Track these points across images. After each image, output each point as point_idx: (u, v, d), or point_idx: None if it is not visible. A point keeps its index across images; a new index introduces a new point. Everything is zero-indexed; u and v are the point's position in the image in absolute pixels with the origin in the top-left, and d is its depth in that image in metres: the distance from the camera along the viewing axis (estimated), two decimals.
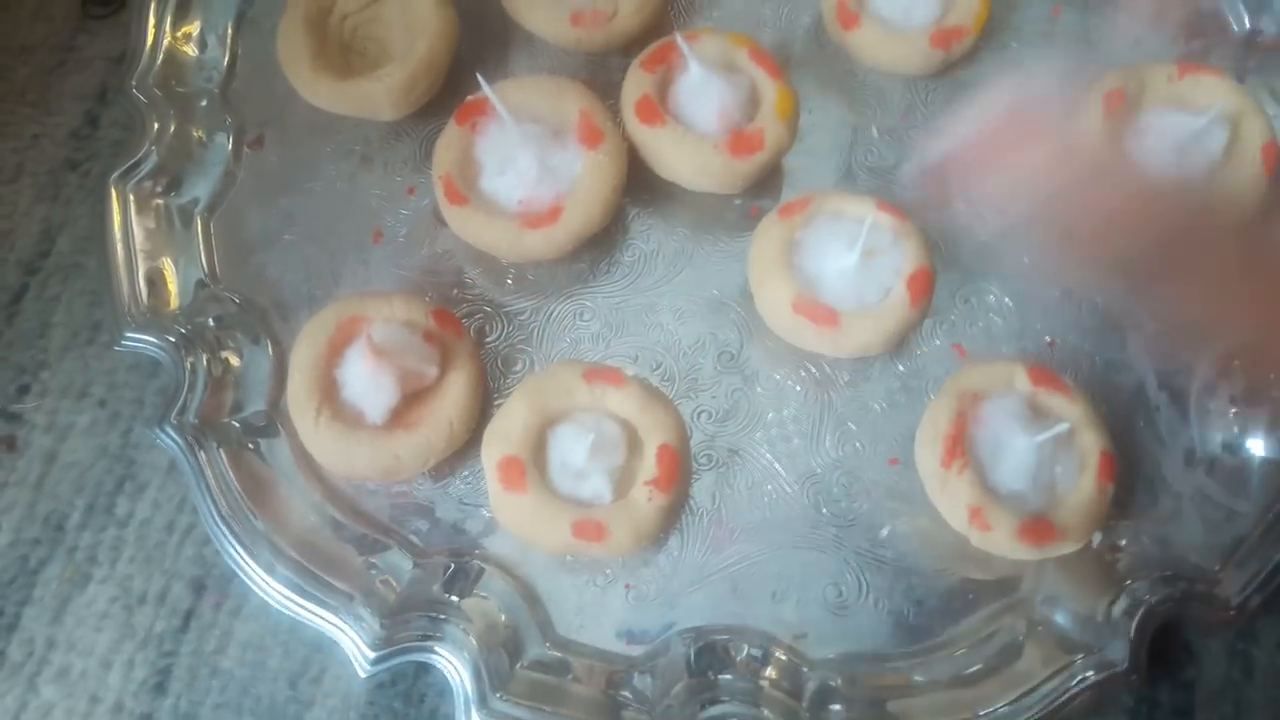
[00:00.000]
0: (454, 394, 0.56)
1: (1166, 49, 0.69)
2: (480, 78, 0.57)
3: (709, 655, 0.55)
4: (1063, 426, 0.53)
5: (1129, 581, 0.55)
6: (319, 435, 0.55)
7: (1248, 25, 0.70)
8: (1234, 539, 0.57)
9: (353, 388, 0.54)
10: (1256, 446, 0.59)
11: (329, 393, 0.55)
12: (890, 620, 0.56)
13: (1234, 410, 0.60)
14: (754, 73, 0.61)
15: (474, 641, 0.53)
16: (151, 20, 0.65)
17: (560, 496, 0.53)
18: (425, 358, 0.55)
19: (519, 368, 0.61)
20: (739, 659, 0.55)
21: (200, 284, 0.62)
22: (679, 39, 0.59)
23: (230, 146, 0.65)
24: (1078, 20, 0.70)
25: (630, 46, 0.64)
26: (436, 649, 0.53)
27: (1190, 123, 0.60)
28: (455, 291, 0.62)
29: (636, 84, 0.61)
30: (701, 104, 0.60)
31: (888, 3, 0.65)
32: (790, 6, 0.69)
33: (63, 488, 0.59)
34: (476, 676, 0.52)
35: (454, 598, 0.55)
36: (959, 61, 0.66)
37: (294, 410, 0.55)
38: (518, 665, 0.54)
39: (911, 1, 0.64)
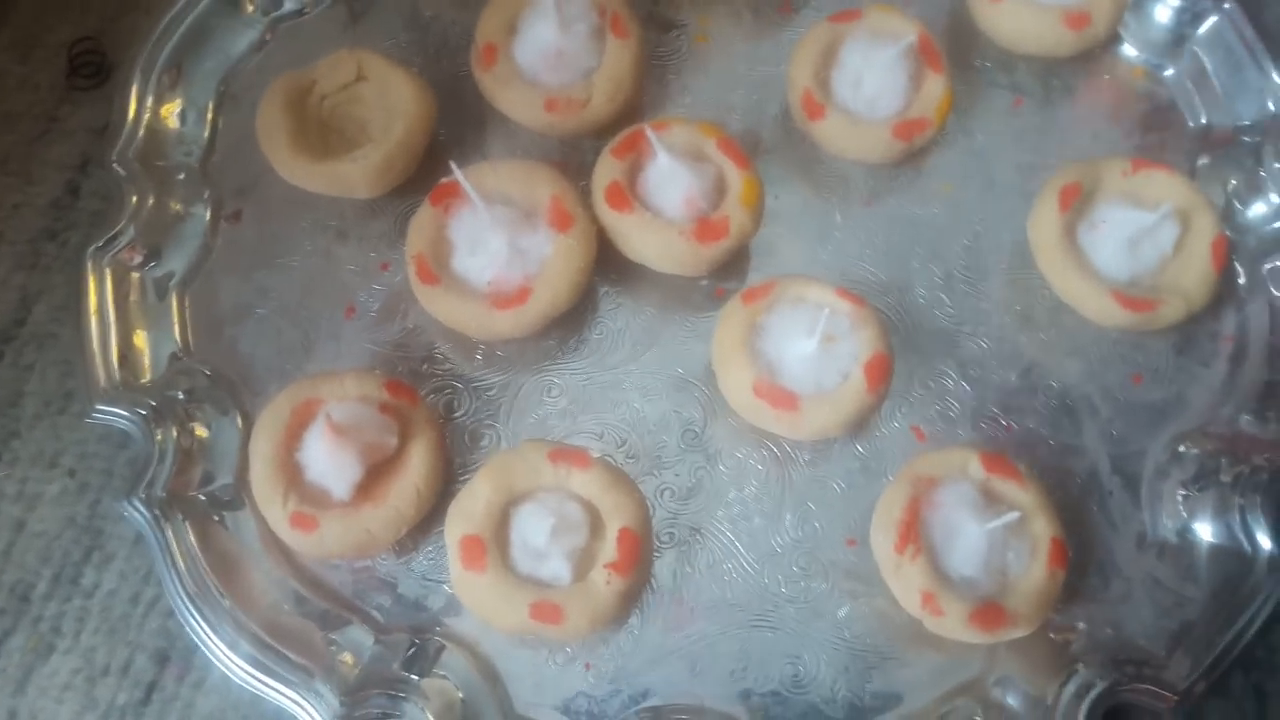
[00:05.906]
0: (416, 461, 0.56)
1: (1123, 141, 0.71)
2: (453, 165, 0.58)
3: None
4: (1013, 515, 0.54)
5: (1080, 664, 0.56)
6: (289, 523, 0.55)
7: (1202, 120, 0.72)
8: (1182, 624, 0.58)
9: (316, 469, 0.54)
10: (1205, 532, 0.60)
11: (293, 478, 0.55)
12: (847, 700, 0.57)
13: (1183, 494, 0.61)
14: (721, 161, 0.63)
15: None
16: (135, 95, 0.66)
17: (519, 576, 0.54)
18: (384, 429, 0.56)
19: (485, 443, 0.61)
20: None
21: (173, 357, 0.62)
22: (647, 130, 0.61)
23: (208, 220, 0.66)
24: (1038, 112, 0.72)
25: (604, 131, 0.65)
26: None
27: (1142, 219, 0.62)
28: (425, 366, 0.63)
29: (607, 170, 0.62)
30: (669, 191, 0.61)
31: (853, 95, 0.66)
32: (759, 95, 0.71)
33: (29, 557, 0.59)
34: None
35: (414, 676, 0.55)
36: (921, 151, 0.68)
37: (260, 501, 0.55)
38: None
39: (876, 93, 0.65)
